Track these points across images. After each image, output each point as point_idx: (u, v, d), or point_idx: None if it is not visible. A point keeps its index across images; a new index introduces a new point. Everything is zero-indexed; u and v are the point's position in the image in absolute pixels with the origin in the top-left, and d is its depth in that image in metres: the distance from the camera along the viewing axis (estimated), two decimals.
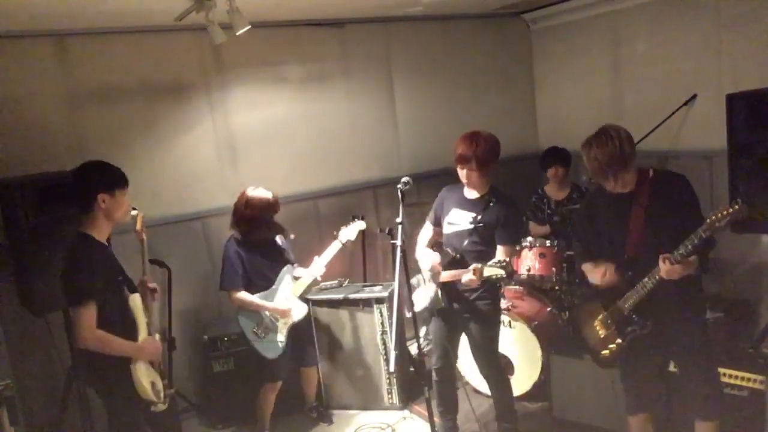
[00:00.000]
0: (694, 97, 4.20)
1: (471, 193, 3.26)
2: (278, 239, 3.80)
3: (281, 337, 3.68)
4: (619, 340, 2.82)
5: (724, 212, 2.34)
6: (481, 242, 3.18)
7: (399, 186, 2.95)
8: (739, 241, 3.88)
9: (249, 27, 3.33)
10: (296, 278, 3.81)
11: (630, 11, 4.61)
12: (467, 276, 3.03)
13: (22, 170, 3.59)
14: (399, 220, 2.80)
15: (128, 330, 2.71)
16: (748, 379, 3.02)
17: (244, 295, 3.63)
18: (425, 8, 4.62)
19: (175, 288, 3.94)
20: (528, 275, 4.16)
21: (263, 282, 3.70)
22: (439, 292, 3.28)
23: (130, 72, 4.06)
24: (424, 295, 3.34)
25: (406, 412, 4.06)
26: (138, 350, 2.72)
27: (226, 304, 4.32)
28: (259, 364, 3.70)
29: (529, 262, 4.18)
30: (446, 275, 3.18)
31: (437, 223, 3.41)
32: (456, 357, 3.59)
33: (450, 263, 3.21)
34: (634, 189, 2.67)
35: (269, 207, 3.64)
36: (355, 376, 4.16)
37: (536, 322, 3.92)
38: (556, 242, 4.18)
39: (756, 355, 3.21)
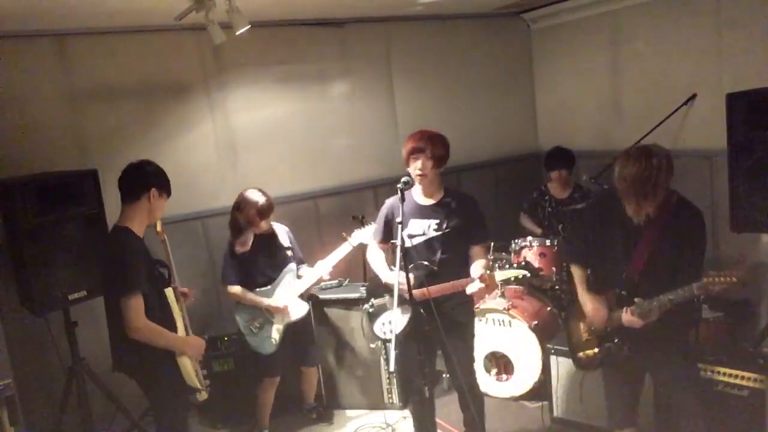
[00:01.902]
0: (694, 96, 4.20)
1: (425, 200, 3.13)
2: (286, 238, 3.82)
3: (275, 335, 3.69)
4: (596, 350, 2.81)
5: (722, 279, 2.30)
6: (453, 248, 3.06)
7: (399, 186, 2.93)
8: (739, 241, 3.88)
9: (249, 27, 3.33)
10: (299, 277, 3.81)
11: (630, 11, 4.61)
12: (474, 286, 2.86)
13: (22, 170, 3.59)
14: (399, 219, 2.79)
15: (167, 322, 2.77)
16: (748, 379, 3.02)
17: (238, 289, 3.66)
18: (425, 8, 4.62)
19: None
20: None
21: (263, 279, 3.72)
22: (420, 309, 2.94)
23: (130, 72, 4.06)
24: (398, 318, 2.89)
25: (406, 412, 4.05)
26: (185, 344, 2.80)
27: (225, 304, 4.33)
28: (256, 359, 3.73)
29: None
30: (438, 288, 2.93)
31: (386, 240, 3.27)
32: (434, 372, 3.38)
33: (428, 277, 2.97)
34: (653, 215, 2.57)
35: (257, 211, 3.59)
36: (355, 376, 4.16)
37: (536, 322, 3.92)
38: (556, 242, 4.19)
39: (756, 355, 3.20)
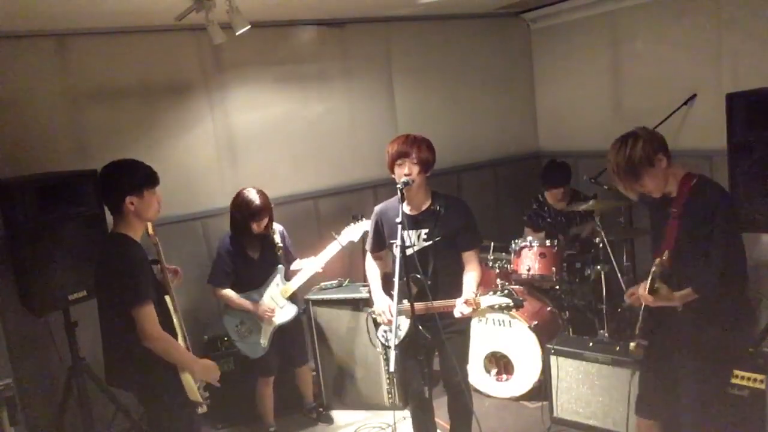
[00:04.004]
0: (694, 96, 4.20)
1: (413, 209, 3.02)
2: (278, 237, 3.76)
3: (263, 340, 3.66)
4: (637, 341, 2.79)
5: (657, 261, 2.45)
6: (446, 257, 2.99)
7: (399, 186, 2.92)
8: None
9: (249, 27, 3.33)
10: (289, 277, 3.76)
11: (630, 10, 4.61)
12: (461, 309, 2.84)
13: (22, 170, 3.59)
14: (399, 219, 2.78)
15: (169, 331, 2.66)
16: (748, 379, 3.02)
17: (228, 292, 3.64)
18: (425, 8, 4.62)
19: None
20: (528, 275, 4.16)
21: (253, 282, 3.68)
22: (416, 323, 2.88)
23: (130, 72, 4.06)
24: (400, 325, 2.95)
25: (406, 413, 4.05)
26: (197, 365, 2.69)
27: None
28: (249, 360, 3.71)
29: (529, 262, 4.17)
30: (423, 307, 2.86)
31: (379, 248, 3.22)
32: (431, 378, 3.23)
33: (420, 292, 2.88)
34: (675, 195, 2.61)
35: (251, 212, 3.54)
36: (355, 376, 4.16)
37: (536, 322, 3.92)
38: (556, 242, 4.18)
39: (756, 355, 3.20)
